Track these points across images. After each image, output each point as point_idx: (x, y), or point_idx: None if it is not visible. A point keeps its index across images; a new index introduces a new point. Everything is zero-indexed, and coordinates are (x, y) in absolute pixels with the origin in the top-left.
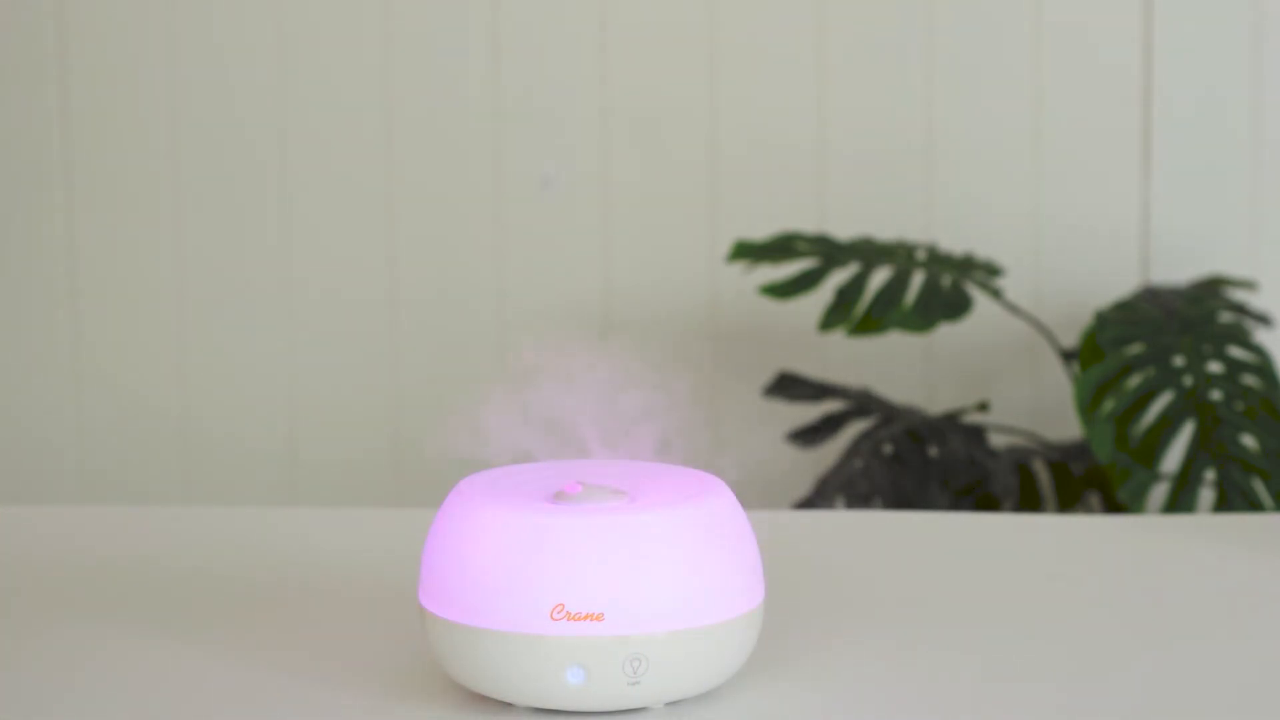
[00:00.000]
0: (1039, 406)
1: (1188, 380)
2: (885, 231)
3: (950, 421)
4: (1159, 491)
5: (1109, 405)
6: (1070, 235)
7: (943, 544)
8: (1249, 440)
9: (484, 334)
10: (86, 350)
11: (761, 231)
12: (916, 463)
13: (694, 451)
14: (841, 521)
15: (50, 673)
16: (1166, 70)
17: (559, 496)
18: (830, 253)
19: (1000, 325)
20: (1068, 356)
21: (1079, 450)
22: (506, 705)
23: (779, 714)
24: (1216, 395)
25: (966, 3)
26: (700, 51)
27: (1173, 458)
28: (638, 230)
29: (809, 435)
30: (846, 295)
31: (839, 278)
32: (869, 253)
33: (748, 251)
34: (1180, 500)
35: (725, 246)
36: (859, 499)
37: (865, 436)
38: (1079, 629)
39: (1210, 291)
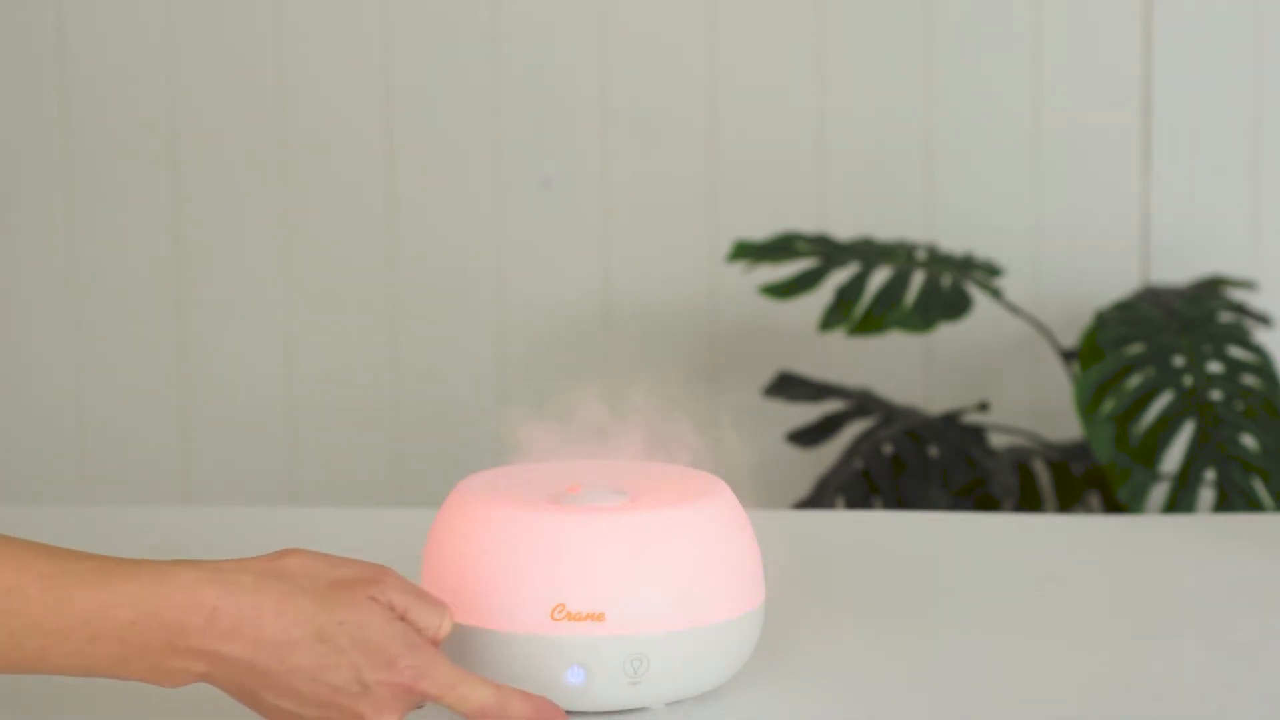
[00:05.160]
0: (1039, 406)
1: (1188, 380)
2: (885, 231)
3: (950, 421)
4: (1159, 491)
5: (1109, 405)
6: (1070, 235)
7: (943, 544)
8: (1249, 440)
9: (484, 333)
10: (86, 350)
11: (761, 231)
12: (916, 463)
13: (694, 451)
14: (841, 521)
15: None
16: (1166, 70)
17: (559, 497)
18: (830, 253)
19: (1000, 325)
20: (1068, 356)
21: (1079, 450)
22: None
23: (779, 714)
24: (1216, 395)
25: (966, 3)
26: (700, 51)
27: (1173, 458)
28: (638, 230)
29: (809, 435)
30: (846, 295)
31: (839, 278)
32: (869, 253)
33: (748, 251)
34: (1180, 500)
35: (725, 246)
36: (859, 499)
37: (865, 436)
38: (1078, 628)
39: (1210, 291)
